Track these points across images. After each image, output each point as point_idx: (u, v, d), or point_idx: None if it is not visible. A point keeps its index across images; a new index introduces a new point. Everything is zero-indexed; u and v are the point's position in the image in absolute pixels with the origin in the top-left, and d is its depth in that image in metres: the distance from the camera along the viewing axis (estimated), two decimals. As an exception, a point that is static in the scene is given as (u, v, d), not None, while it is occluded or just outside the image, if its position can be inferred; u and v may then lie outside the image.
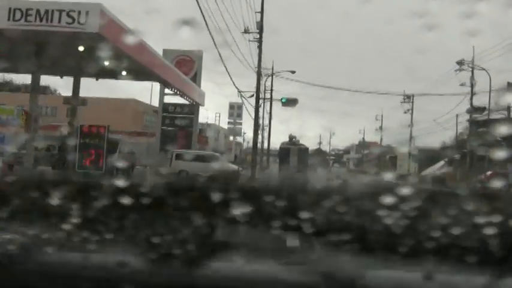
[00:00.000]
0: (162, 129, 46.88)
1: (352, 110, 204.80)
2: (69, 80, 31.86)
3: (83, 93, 31.89)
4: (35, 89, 25.46)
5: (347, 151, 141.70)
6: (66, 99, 32.08)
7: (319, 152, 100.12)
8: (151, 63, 31.15)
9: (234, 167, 35.86)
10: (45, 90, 30.47)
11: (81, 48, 25.19)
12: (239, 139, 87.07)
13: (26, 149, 25.65)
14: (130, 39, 26.44)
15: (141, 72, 30.56)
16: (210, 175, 21.23)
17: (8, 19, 22.64)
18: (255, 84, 41.52)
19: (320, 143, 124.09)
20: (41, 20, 22.99)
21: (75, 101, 29.61)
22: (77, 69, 30.49)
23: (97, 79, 33.73)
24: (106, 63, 26.90)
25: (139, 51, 28.61)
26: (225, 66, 39.58)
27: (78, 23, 22.70)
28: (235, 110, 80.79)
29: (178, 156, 34.23)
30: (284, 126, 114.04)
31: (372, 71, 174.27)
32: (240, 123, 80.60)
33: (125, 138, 32.66)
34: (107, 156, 27.54)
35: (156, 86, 46.02)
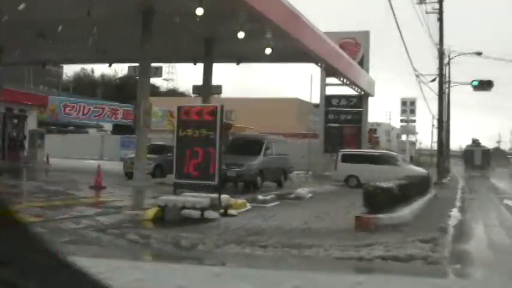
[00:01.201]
0: (325, 126, 39.32)
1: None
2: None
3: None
4: (144, 74, 18.71)
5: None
6: (196, 88, 25.29)
7: (497, 151, 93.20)
8: (310, 41, 23.77)
9: (422, 170, 27.04)
10: (218, 88, 24.10)
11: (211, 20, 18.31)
12: (411, 138, 79.64)
13: (137, 152, 18.95)
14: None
15: (298, 52, 23.36)
16: (397, 184, 12.78)
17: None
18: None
19: (499, 142, 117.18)
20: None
21: (206, 90, 22.60)
22: (210, 49, 23.66)
23: (238, 63, 26.84)
24: (241, 35, 19.77)
25: (294, 23, 21.39)
26: (404, 46, 30.75)
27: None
28: (407, 106, 73.92)
29: (346, 158, 26.56)
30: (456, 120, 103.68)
31: None
32: (414, 121, 73.68)
33: (275, 137, 25.18)
34: (244, 160, 20.38)
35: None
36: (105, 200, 15.00)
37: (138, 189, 16.78)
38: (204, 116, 11.88)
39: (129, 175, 22.30)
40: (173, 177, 12.94)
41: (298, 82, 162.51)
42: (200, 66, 25.19)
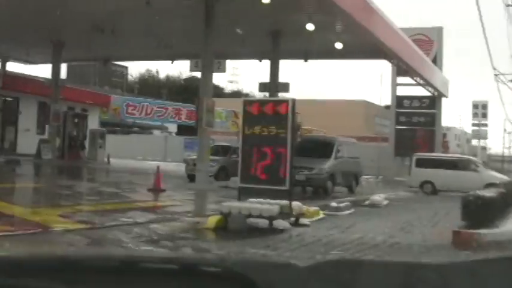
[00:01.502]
0: (395, 129, 37.36)
1: None
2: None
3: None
4: (207, 68, 17.35)
5: None
6: (263, 86, 23.76)
7: None
8: (384, 36, 22.12)
9: (504, 177, 24.75)
10: (285, 86, 22.80)
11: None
12: (482, 143, 76.85)
13: (199, 153, 17.63)
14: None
15: (370, 48, 21.89)
16: (499, 193, 10.95)
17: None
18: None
19: None
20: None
21: (273, 87, 21.12)
22: (277, 43, 22.25)
23: (306, 60, 25.30)
24: (311, 27, 18.41)
25: (368, 15, 19.84)
26: (486, 44, 28.58)
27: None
28: (479, 110, 71.35)
29: (420, 162, 24.67)
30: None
31: None
32: (486, 125, 71.19)
33: (346, 139, 23.43)
34: (314, 162, 18.80)
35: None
36: (163, 204, 13.69)
37: (200, 193, 15.43)
38: (274, 112, 10.33)
39: (191, 177, 21.06)
40: (238, 180, 11.49)
41: (364, 83, 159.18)
42: (265, 67, 23.82)
